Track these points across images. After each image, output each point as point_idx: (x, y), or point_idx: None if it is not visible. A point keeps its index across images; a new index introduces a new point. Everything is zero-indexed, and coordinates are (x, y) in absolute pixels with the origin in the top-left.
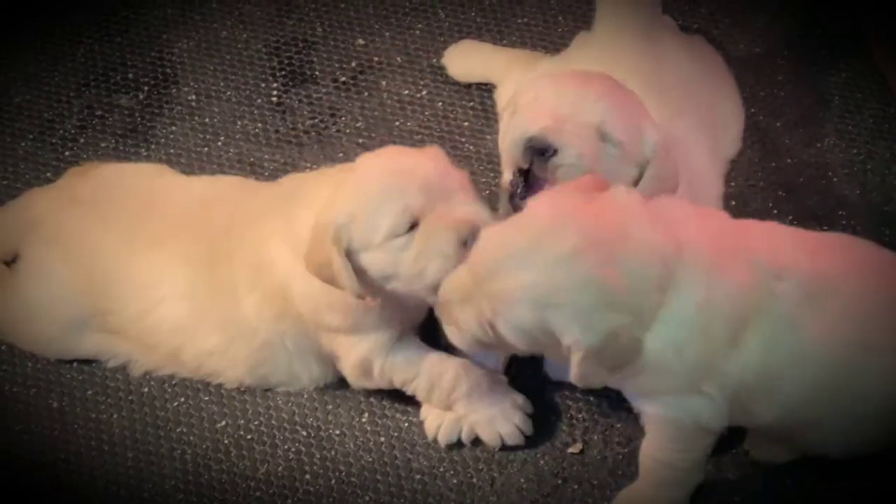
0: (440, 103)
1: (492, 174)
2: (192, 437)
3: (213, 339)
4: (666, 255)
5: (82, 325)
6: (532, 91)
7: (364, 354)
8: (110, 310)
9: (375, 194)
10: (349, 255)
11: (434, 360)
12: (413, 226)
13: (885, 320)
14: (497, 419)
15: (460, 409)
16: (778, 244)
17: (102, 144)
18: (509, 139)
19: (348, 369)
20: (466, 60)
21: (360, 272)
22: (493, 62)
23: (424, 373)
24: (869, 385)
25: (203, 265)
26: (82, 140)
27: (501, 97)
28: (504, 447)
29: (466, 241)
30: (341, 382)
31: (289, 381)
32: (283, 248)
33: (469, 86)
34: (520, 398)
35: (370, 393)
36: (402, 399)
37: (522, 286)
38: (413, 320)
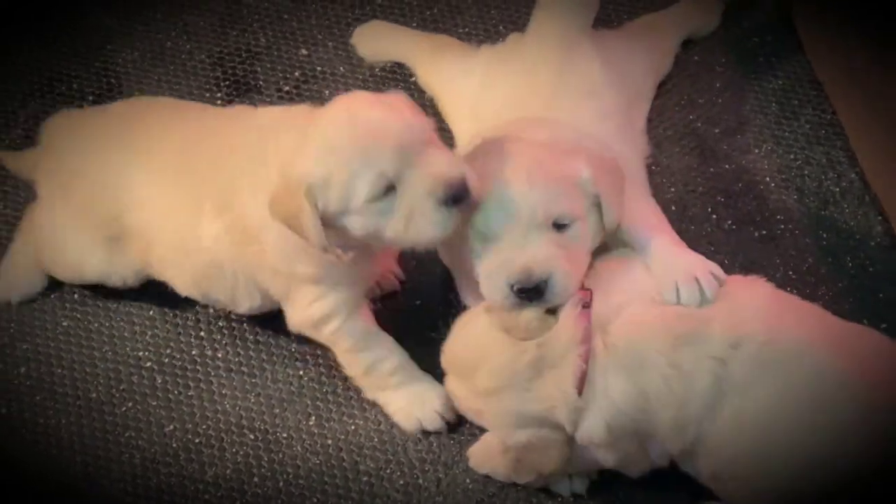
0: None
1: None
2: (140, 442)
3: (170, 250)
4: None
5: (100, 241)
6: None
7: (327, 311)
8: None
9: (348, 159)
10: (326, 216)
11: (387, 343)
12: (390, 187)
13: (829, 401)
14: (416, 405)
15: (386, 396)
16: (743, 309)
17: None
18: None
19: (300, 318)
20: (377, 40)
21: (340, 231)
22: (407, 43)
23: (373, 350)
24: (800, 460)
25: (174, 177)
26: (28, 149)
27: (429, 76)
28: (425, 432)
29: (447, 199)
30: (289, 385)
31: (229, 303)
32: (256, 191)
33: (410, 94)
34: (442, 389)
35: (318, 397)
36: (349, 402)
37: None
38: (372, 277)
